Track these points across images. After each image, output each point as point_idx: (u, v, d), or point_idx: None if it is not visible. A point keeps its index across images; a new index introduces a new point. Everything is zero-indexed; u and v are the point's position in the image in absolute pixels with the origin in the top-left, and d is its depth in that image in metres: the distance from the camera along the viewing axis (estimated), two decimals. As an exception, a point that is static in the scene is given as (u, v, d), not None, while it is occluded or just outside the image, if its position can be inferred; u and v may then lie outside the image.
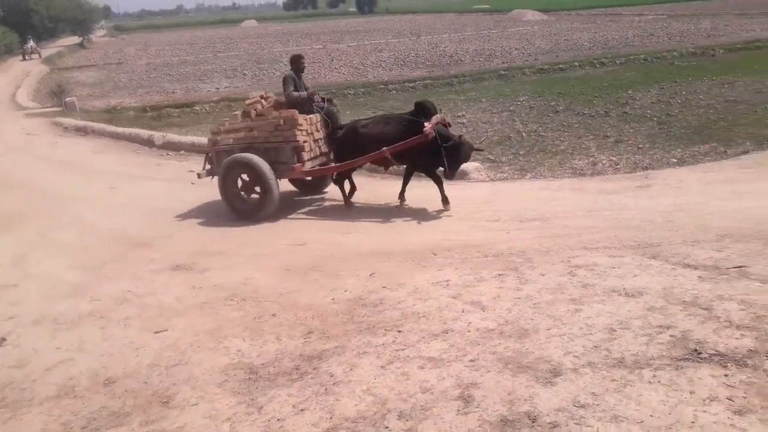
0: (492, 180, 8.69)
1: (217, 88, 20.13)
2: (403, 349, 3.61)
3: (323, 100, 7.81)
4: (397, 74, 20.32)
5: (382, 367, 3.44)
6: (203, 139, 10.46)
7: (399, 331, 3.86)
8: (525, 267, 4.64)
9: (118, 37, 62.01)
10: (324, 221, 7.37)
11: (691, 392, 2.77)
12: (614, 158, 9.15)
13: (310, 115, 7.52)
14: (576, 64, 19.55)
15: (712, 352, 3.05)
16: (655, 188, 7.53)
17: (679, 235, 5.23)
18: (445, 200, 7.17)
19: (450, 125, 7.43)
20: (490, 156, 9.82)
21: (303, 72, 7.87)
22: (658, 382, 2.88)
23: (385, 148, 7.25)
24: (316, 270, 5.50)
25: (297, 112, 7.38)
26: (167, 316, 4.82)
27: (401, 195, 7.47)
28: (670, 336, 3.27)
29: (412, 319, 4.02)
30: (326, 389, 3.31)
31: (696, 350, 3.09)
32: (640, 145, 9.75)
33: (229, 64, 27.28)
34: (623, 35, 27.84)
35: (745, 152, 8.91)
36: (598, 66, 19.26)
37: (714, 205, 6.47)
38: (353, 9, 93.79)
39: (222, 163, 7.40)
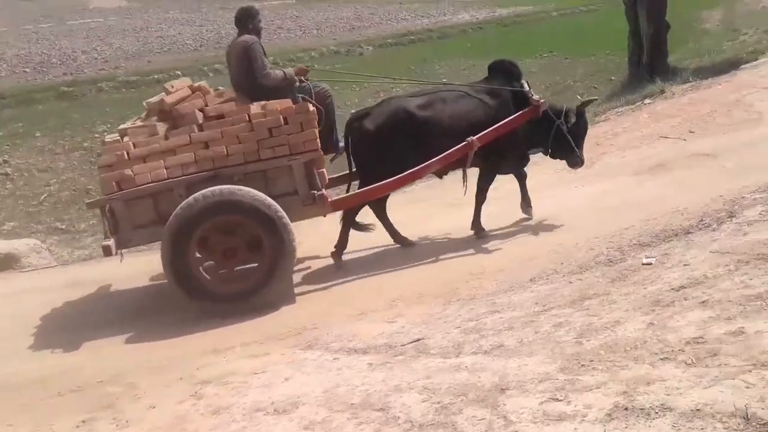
0: (64, 263, 7.84)
1: None
2: None
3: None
4: None
5: None
6: None
7: None
8: (126, 400, 4.25)
9: None
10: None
11: None
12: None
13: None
14: (178, 72, 18.56)
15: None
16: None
17: (339, 310, 5.37)
18: (528, 201, 6.65)
19: None
20: (59, 224, 8.63)
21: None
22: None
23: (472, 138, 6.02)
24: None
25: (292, 101, 5.72)
26: None
27: (478, 223, 6.47)
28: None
29: None
30: None
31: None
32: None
33: None
34: (231, 30, 28.84)
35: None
36: (211, 74, 18.98)
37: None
38: None
39: (165, 214, 5.28)
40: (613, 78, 14.73)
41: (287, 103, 5.69)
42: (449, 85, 7.39)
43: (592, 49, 18.14)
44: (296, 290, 5.92)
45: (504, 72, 6.57)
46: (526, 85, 6.49)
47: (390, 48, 21.58)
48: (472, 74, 10.78)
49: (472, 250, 6.17)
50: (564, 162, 6.83)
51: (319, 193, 5.60)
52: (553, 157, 6.77)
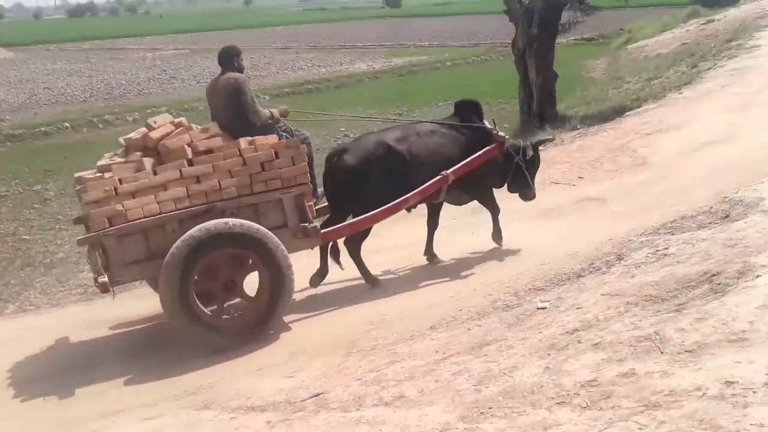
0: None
1: None
2: None
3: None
4: None
5: None
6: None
7: None
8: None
9: None
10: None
11: None
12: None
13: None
14: (66, 124, 18.70)
15: None
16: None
17: (238, 365, 5.37)
18: (499, 234, 7.15)
19: None
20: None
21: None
22: None
23: (447, 171, 6.58)
24: None
25: (278, 137, 6.14)
26: None
27: (431, 250, 7.04)
28: None
29: None
30: None
31: None
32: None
33: None
34: (134, 78, 28.41)
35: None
36: (102, 126, 18.96)
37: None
38: None
39: (156, 250, 5.48)
40: (506, 125, 15.41)
41: (274, 138, 6.08)
42: (421, 122, 8.20)
43: (486, 98, 18.88)
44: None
45: (468, 110, 7.18)
46: (488, 124, 7.14)
47: (287, 97, 21.84)
48: (370, 124, 11.08)
49: (372, 298, 6.31)
50: (458, 208, 7.35)
51: (312, 225, 5.93)
52: (510, 190, 7.39)
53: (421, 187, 6.54)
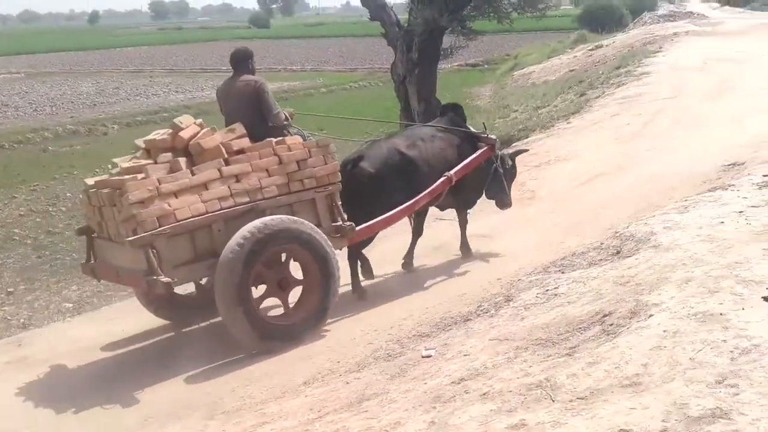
0: None
1: None
2: None
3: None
4: None
5: None
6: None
7: None
8: None
9: None
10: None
11: None
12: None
13: None
14: None
15: None
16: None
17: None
18: (467, 246, 7.91)
19: None
20: None
21: None
22: None
23: (450, 173, 7.46)
24: None
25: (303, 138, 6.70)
26: None
27: (411, 259, 7.71)
28: None
29: None
30: None
31: None
32: (11, 288, 9.31)
33: None
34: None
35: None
36: None
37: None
38: None
39: (202, 251, 5.87)
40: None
41: (299, 139, 6.58)
42: (417, 125, 9.35)
43: (366, 127, 19.21)
44: (32, 409, 5.61)
45: (455, 113, 8.18)
46: (472, 127, 8.10)
47: (140, 126, 21.16)
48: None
49: (239, 353, 6.11)
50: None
51: (348, 223, 6.53)
52: (488, 196, 8.19)
53: (430, 188, 7.34)
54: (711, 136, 10.12)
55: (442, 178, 7.44)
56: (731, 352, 3.40)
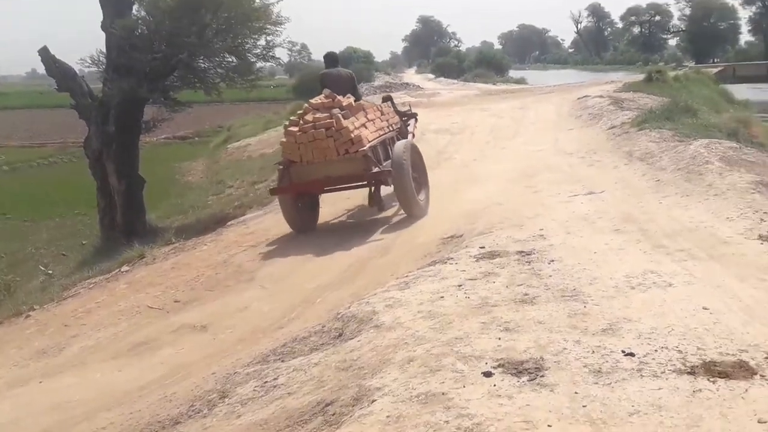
0: None
1: None
2: None
3: None
4: None
5: None
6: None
7: None
8: None
9: None
10: None
11: None
12: None
13: None
14: None
15: None
16: None
17: None
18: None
19: None
20: None
21: None
22: None
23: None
24: None
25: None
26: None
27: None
28: None
29: None
30: None
31: None
32: None
33: None
34: None
35: None
36: None
37: None
38: None
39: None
40: (85, 242, 14.85)
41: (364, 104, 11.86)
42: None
43: (58, 210, 18.30)
44: None
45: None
46: None
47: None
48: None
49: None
50: None
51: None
52: None
53: None
54: (432, 208, 10.89)
55: None
56: (453, 433, 3.49)
